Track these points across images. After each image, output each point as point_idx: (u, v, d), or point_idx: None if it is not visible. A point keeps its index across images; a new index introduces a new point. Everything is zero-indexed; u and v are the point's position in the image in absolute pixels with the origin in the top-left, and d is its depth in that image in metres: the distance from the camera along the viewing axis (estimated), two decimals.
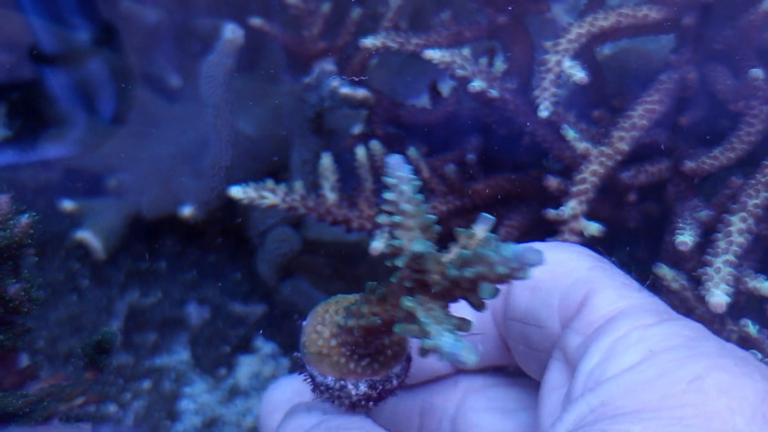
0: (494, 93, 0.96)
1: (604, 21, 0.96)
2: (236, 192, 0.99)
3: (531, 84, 1.00)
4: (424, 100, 1.19)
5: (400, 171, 0.49)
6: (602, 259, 0.56)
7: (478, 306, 0.47)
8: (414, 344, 0.58)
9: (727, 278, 0.82)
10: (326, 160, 1.03)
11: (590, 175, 0.91)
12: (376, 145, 1.03)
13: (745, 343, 0.84)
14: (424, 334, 0.46)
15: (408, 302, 0.48)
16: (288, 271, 1.25)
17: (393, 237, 0.49)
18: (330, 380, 0.56)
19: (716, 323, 0.86)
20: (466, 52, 0.98)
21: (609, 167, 0.91)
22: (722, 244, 0.84)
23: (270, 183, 1.00)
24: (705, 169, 0.93)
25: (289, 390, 0.66)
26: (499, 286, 0.45)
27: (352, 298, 0.58)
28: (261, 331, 1.26)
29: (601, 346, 0.46)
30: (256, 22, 1.16)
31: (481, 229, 0.49)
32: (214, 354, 1.22)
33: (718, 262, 0.82)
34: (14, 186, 1.09)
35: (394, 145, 1.09)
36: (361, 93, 1.08)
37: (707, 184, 1.00)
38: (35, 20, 1.23)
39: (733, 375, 0.42)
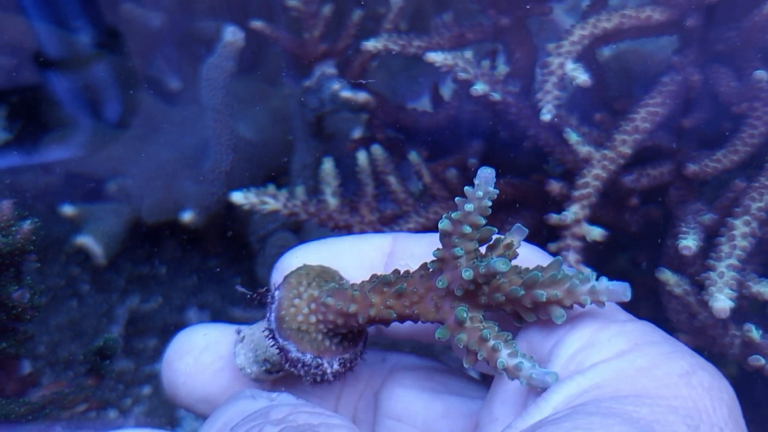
0: (496, 96, 0.96)
1: (607, 22, 0.95)
2: (237, 197, 0.98)
3: (533, 87, 0.99)
4: (425, 102, 1.19)
5: (489, 185, 0.50)
6: None
7: (525, 320, 0.51)
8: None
9: (731, 283, 0.81)
10: (327, 165, 1.02)
11: (592, 179, 0.90)
12: (377, 149, 1.03)
13: (748, 347, 0.83)
14: (492, 354, 0.49)
15: (463, 314, 0.50)
16: None
17: (451, 245, 0.51)
18: (308, 357, 0.57)
19: (719, 328, 0.85)
20: (468, 54, 0.98)
21: (611, 171, 0.91)
22: (726, 248, 0.83)
23: (271, 188, 1.00)
24: (708, 172, 0.93)
25: (202, 338, 0.66)
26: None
27: (319, 269, 0.59)
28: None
29: (580, 335, 0.49)
30: (257, 24, 1.15)
31: (516, 239, 0.53)
32: None
33: (722, 266, 0.82)
34: (14, 190, 1.08)
35: (395, 149, 1.08)
36: (362, 96, 1.08)
37: (710, 187, 1.00)
38: (37, 24, 1.23)
39: (712, 375, 0.46)
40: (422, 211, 1.01)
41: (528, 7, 1.02)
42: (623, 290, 0.48)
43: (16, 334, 0.92)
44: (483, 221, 0.51)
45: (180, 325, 1.22)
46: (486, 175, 0.50)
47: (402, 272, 0.54)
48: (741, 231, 0.84)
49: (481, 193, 0.50)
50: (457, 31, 1.06)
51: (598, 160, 0.91)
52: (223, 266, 1.26)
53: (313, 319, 0.57)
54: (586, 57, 0.97)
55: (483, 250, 0.53)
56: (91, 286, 1.20)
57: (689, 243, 0.86)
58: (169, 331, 1.22)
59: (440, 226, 0.51)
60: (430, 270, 0.53)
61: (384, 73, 1.27)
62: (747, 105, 0.92)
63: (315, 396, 0.64)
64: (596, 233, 0.88)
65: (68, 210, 1.18)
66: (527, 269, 0.50)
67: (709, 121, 0.98)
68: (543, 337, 0.51)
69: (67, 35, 1.26)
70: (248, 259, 1.25)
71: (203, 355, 0.65)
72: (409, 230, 0.98)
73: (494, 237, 0.52)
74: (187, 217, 1.14)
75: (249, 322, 0.65)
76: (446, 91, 1.15)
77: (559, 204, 0.91)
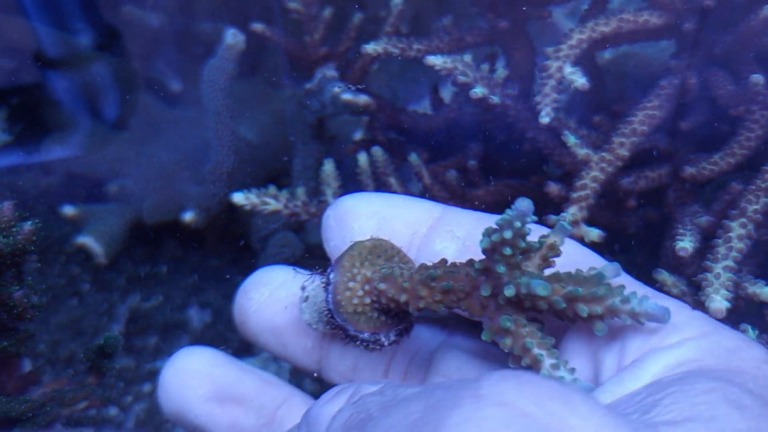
0: (495, 99, 0.97)
1: (605, 26, 0.96)
2: (239, 198, 0.99)
3: (532, 90, 1.00)
4: (425, 104, 1.19)
5: (527, 216, 0.50)
6: None
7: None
8: None
9: (727, 284, 0.82)
10: (328, 167, 1.03)
11: (591, 181, 0.91)
12: (378, 151, 1.04)
13: None
14: (535, 363, 0.51)
15: (507, 323, 0.51)
16: None
17: (493, 260, 0.51)
18: (366, 335, 0.59)
19: None
20: (467, 58, 0.98)
21: (609, 173, 0.92)
22: (722, 250, 0.84)
23: (272, 189, 1.01)
24: (705, 175, 0.94)
25: (281, 275, 0.68)
26: None
27: (371, 244, 0.60)
28: None
29: None
30: (257, 27, 1.16)
31: (559, 238, 0.52)
32: None
33: (718, 267, 0.83)
34: (15, 191, 1.09)
35: (395, 151, 1.09)
36: (362, 99, 1.09)
37: (707, 189, 1.01)
38: (38, 25, 1.23)
39: None
40: None
41: (526, 10, 1.03)
42: (662, 314, 0.48)
43: (17, 333, 0.92)
44: (523, 243, 0.51)
45: (181, 324, 1.23)
46: (524, 207, 0.50)
47: (449, 264, 0.55)
48: (737, 233, 0.85)
49: (519, 224, 0.50)
50: (457, 35, 1.07)
51: (596, 162, 0.92)
52: (224, 265, 1.27)
53: (368, 300, 0.59)
54: (585, 61, 0.98)
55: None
56: (91, 285, 1.20)
57: (686, 245, 0.86)
58: (169, 329, 1.22)
59: (481, 245, 0.51)
60: (477, 267, 0.54)
61: (384, 75, 1.28)
62: (744, 108, 0.93)
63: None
64: (594, 234, 0.89)
65: (69, 210, 1.18)
66: (569, 276, 0.51)
67: (707, 124, 0.99)
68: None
69: (68, 37, 1.27)
70: (250, 259, 1.25)
71: (279, 290, 0.66)
72: None
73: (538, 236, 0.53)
74: (188, 217, 1.14)
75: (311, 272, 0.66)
76: (446, 93, 1.16)
77: (558, 205, 0.92)
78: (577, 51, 0.94)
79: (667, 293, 0.88)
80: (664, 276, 0.89)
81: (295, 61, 1.18)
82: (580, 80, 0.91)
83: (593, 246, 0.89)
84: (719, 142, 0.94)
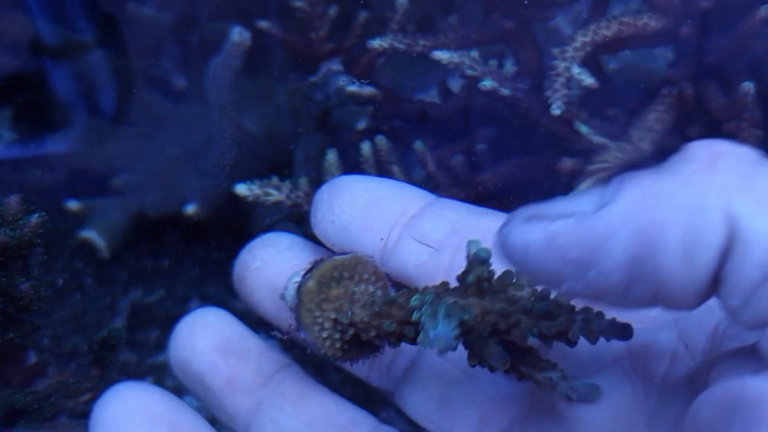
0: (506, 92, 0.98)
1: (606, 30, 0.98)
2: (242, 189, 1.00)
3: (542, 87, 1.01)
4: (432, 95, 1.20)
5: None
6: None
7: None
8: None
9: None
10: (331, 156, 1.04)
11: (612, 158, 0.92)
12: (381, 140, 1.04)
13: None
14: (551, 387, 0.46)
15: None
16: None
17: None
18: (339, 361, 0.57)
19: None
20: (474, 54, 1.00)
21: (628, 160, 0.92)
22: None
23: (275, 180, 1.02)
24: None
25: (288, 240, 0.67)
26: None
27: (331, 267, 0.56)
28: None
29: None
30: (263, 24, 1.17)
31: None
32: None
33: None
34: (20, 187, 1.09)
35: (399, 140, 1.10)
36: (367, 90, 1.09)
37: None
38: (42, 24, 1.23)
39: None
40: None
41: (530, 11, 1.04)
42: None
43: (23, 324, 0.92)
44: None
45: (182, 317, 1.23)
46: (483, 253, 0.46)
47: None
48: None
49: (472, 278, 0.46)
50: (463, 33, 1.08)
51: (614, 147, 0.93)
52: (226, 258, 1.27)
53: (337, 336, 0.56)
54: (591, 64, 0.99)
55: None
56: (94, 279, 1.20)
57: None
58: (171, 322, 1.22)
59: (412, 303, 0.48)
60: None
61: (390, 70, 1.28)
62: (734, 125, 0.94)
63: None
64: None
65: (73, 205, 1.18)
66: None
67: (706, 134, 1.00)
68: None
69: (72, 35, 1.27)
70: None
71: (286, 252, 0.66)
72: None
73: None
74: (191, 209, 1.15)
75: None
76: (454, 86, 1.17)
77: (568, 184, 0.93)
78: (582, 53, 0.95)
79: None
80: None
81: (300, 57, 1.19)
82: (588, 79, 0.92)
83: None
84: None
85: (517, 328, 0.43)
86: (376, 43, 1.06)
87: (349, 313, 0.55)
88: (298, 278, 0.60)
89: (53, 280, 1.18)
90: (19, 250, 0.89)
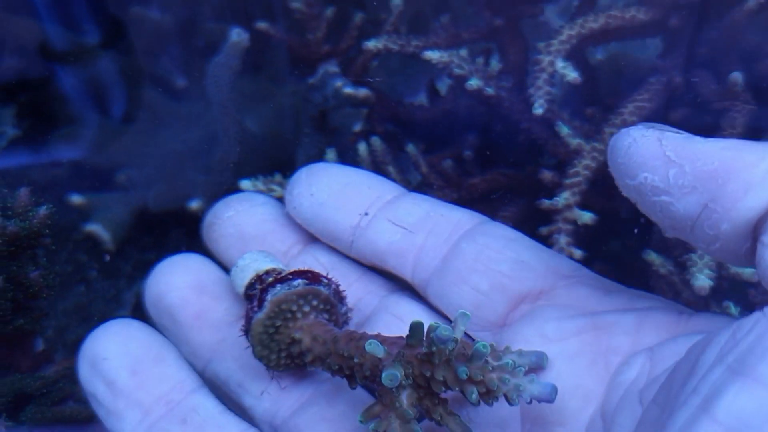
0: (490, 91, 1.01)
1: (593, 23, 1.01)
2: (246, 185, 1.04)
3: (526, 83, 1.05)
4: (421, 98, 1.24)
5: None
6: None
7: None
8: None
9: (710, 264, 0.87)
10: (330, 156, 1.07)
11: (583, 168, 0.96)
12: (376, 141, 1.08)
13: None
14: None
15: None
16: None
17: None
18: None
19: (701, 305, 0.91)
20: (463, 53, 1.03)
21: (601, 161, 0.96)
22: None
23: (278, 177, 1.05)
24: None
25: (264, 197, 0.71)
26: None
27: (279, 302, 0.58)
28: None
29: None
30: (261, 25, 1.20)
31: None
32: None
33: None
34: (26, 182, 1.12)
35: (393, 142, 1.13)
36: (362, 92, 1.13)
37: None
38: (45, 24, 1.27)
39: None
40: None
41: (520, 8, 1.08)
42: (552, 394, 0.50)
43: (32, 311, 0.96)
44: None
45: None
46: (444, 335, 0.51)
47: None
48: None
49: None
50: (453, 31, 1.11)
51: (588, 151, 0.96)
52: None
53: (283, 360, 0.61)
54: (576, 57, 1.02)
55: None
56: (98, 273, 1.23)
57: None
58: None
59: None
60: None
61: (383, 72, 1.32)
62: (729, 103, 0.97)
63: None
64: (587, 217, 0.93)
65: (77, 199, 1.22)
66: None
67: (694, 115, 1.03)
68: None
69: (75, 35, 1.30)
70: None
71: (258, 207, 0.69)
72: None
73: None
74: (195, 205, 1.18)
75: None
76: (442, 87, 1.20)
77: (551, 192, 0.97)
78: (568, 46, 0.99)
79: (656, 272, 0.93)
80: (653, 257, 0.93)
81: (298, 58, 1.22)
82: (571, 74, 0.95)
83: (585, 228, 0.94)
84: (707, 131, 0.98)
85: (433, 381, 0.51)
86: (371, 44, 1.09)
87: (300, 347, 0.58)
88: (244, 262, 0.63)
89: (62, 269, 1.22)
90: (28, 241, 0.92)
